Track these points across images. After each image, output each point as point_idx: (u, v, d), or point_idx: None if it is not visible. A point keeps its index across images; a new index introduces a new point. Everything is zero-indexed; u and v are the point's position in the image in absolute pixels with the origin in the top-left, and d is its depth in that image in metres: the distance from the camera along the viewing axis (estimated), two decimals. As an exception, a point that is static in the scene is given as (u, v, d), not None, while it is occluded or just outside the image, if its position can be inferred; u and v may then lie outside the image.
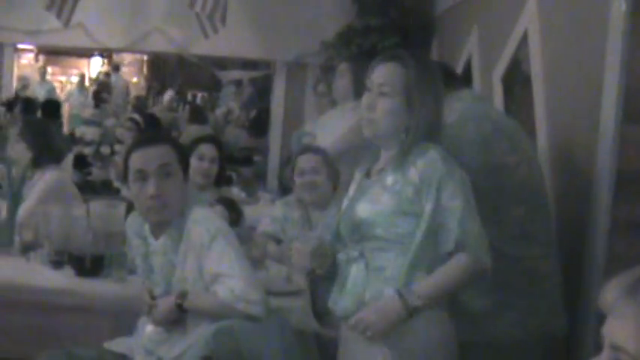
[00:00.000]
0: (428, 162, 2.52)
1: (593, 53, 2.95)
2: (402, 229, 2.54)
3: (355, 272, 2.63)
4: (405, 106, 2.57)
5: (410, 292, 2.47)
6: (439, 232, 2.50)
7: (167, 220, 2.89)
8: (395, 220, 2.56)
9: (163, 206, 2.86)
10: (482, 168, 2.97)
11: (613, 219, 2.59)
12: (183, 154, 3.04)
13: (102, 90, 14.09)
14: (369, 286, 2.58)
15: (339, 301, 2.70)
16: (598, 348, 1.42)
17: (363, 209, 2.63)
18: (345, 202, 2.79)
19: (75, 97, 14.09)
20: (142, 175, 2.86)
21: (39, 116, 7.91)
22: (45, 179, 4.25)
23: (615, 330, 1.39)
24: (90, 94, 14.11)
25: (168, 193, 2.86)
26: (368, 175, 2.75)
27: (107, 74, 16.85)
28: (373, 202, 2.61)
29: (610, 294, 1.42)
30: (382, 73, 2.61)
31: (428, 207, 2.50)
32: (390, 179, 2.59)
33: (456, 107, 3.12)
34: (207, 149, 4.62)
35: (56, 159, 4.48)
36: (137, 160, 2.89)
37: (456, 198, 2.49)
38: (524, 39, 3.88)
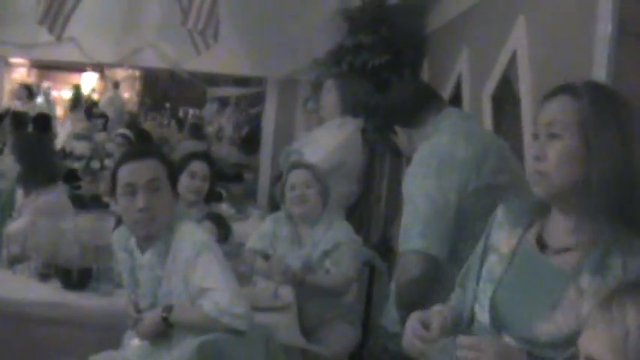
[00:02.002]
0: None
1: (579, 73, 2.98)
2: None
3: None
4: (584, 149, 1.96)
5: None
6: None
7: (154, 234, 2.90)
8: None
9: (151, 220, 2.87)
10: (475, 188, 2.92)
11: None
12: (172, 169, 3.05)
13: (93, 104, 14.16)
14: None
15: None
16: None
17: (553, 326, 1.96)
18: (498, 269, 2.15)
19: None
20: (131, 189, 2.87)
21: (31, 131, 7.87)
22: (42, 199, 4.18)
23: (590, 342, 1.41)
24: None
25: (157, 207, 2.87)
26: (540, 242, 2.10)
27: (92, 90, 16.99)
28: (567, 317, 1.94)
29: (586, 307, 1.44)
30: (550, 111, 2.03)
31: None
32: (587, 282, 1.94)
33: (444, 127, 3.09)
34: (198, 167, 4.62)
35: (52, 177, 4.44)
36: (126, 173, 2.91)
37: None
38: (513, 58, 3.92)
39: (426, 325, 2.15)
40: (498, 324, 2.09)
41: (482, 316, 2.14)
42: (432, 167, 2.93)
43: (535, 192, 2.06)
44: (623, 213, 1.94)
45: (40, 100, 15.26)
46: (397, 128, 3.27)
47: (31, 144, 4.41)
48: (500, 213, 2.24)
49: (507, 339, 2.04)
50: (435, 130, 3.11)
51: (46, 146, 4.72)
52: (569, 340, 1.83)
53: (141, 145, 6.72)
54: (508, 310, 2.08)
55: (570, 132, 1.98)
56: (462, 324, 2.23)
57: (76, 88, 16.26)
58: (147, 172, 2.90)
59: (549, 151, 2.00)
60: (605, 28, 2.81)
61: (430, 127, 3.15)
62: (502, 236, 2.19)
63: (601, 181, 1.93)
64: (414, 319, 2.19)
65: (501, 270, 2.13)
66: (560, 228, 2.07)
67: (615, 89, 2.17)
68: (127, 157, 3.04)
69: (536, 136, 2.07)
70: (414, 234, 2.90)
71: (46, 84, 16.06)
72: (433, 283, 2.88)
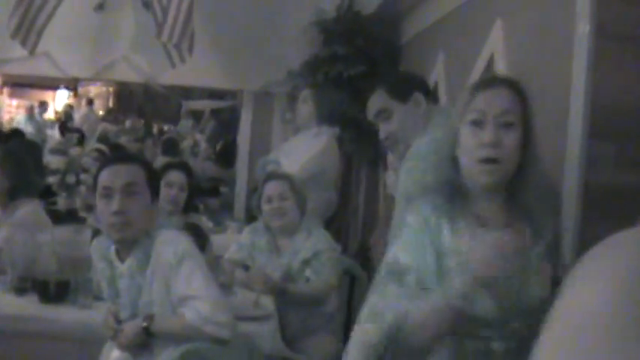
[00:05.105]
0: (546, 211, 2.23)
1: (558, 73, 2.99)
2: None
3: None
4: (524, 137, 2.18)
5: None
6: None
7: (129, 239, 2.88)
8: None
9: (126, 224, 2.84)
10: None
11: (581, 234, 2.61)
12: (153, 176, 3.03)
13: (67, 119, 14.11)
14: None
15: None
16: None
17: (540, 290, 2.17)
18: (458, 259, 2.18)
19: (22, 126, 13.75)
20: (108, 192, 2.86)
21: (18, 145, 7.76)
22: (20, 213, 4.12)
23: None
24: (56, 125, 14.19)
25: (132, 211, 2.85)
26: (482, 223, 2.22)
27: (70, 106, 16.90)
28: (545, 279, 2.19)
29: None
30: (501, 101, 2.18)
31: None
32: (536, 244, 2.21)
33: (438, 122, 3.03)
34: (175, 176, 4.61)
35: (32, 191, 4.37)
36: (104, 177, 2.90)
37: None
38: (490, 63, 3.92)
39: None
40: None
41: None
42: (429, 162, 2.88)
43: (485, 180, 2.17)
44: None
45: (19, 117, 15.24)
46: (396, 106, 3.17)
47: (20, 159, 4.32)
48: (424, 218, 2.25)
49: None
50: (428, 123, 3.06)
51: (35, 160, 4.64)
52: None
53: (123, 152, 6.69)
54: (503, 305, 2.13)
55: (519, 122, 2.15)
56: None
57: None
58: (124, 176, 2.89)
59: (505, 139, 2.13)
60: (583, 29, 2.81)
61: (425, 114, 3.10)
62: (449, 236, 2.22)
63: (534, 165, 2.17)
64: None
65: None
66: (492, 208, 2.22)
67: None
68: (107, 162, 3.06)
69: (479, 123, 2.17)
70: None
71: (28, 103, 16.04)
72: None
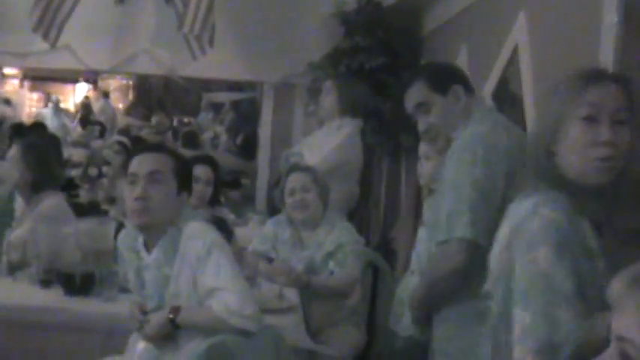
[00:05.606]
0: None
1: (584, 64, 2.96)
2: None
3: None
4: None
5: None
6: None
7: (148, 225, 2.91)
8: None
9: (146, 210, 2.87)
10: (513, 175, 2.73)
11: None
12: (182, 167, 3.03)
13: (88, 112, 14.17)
14: None
15: None
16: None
17: None
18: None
19: (48, 120, 13.81)
20: (133, 179, 2.91)
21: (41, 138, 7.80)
22: (44, 205, 4.13)
23: (621, 322, 1.40)
24: (76, 118, 14.24)
25: (154, 198, 2.88)
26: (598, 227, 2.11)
27: (87, 97, 16.96)
28: None
29: (615, 288, 1.43)
30: (616, 96, 2.06)
31: None
32: None
33: (480, 117, 2.99)
34: (201, 171, 4.61)
35: (55, 184, 4.39)
36: (132, 164, 2.95)
37: None
38: (514, 54, 3.89)
39: None
40: None
41: None
42: (478, 154, 2.81)
43: (600, 179, 2.05)
44: None
45: (46, 110, 15.29)
46: (435, 98, 3.10)
47: (43, 152, 4.32)
48: (565, 214, 2.04)
49: None
50: (470, 116, 3.01)
51: (57, 153, 4.66)
52: None
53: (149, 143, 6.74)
54: None
55: (629, 119, 2.04)
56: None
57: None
58: (149, 163, 2.93)
59: (620, 137, 2.03)
60: (610, 19, 2.78)
61: (464, 107, 3.04)
62: (588, 234, 2.08)
63: (634, 165, 2.06)
64: None
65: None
66: (594, 208, 2.09)
67: None
68: (136, 150, 3.14)
69: (592, 119, 2.04)
70: (461, 221, 2.74)
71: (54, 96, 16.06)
72: (473, 276, 2.64)
